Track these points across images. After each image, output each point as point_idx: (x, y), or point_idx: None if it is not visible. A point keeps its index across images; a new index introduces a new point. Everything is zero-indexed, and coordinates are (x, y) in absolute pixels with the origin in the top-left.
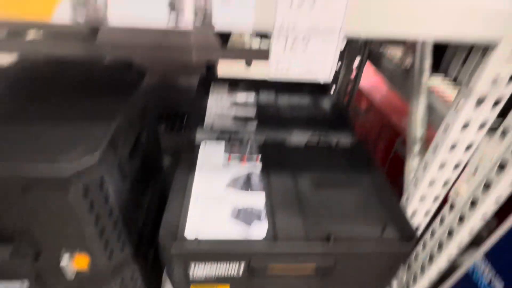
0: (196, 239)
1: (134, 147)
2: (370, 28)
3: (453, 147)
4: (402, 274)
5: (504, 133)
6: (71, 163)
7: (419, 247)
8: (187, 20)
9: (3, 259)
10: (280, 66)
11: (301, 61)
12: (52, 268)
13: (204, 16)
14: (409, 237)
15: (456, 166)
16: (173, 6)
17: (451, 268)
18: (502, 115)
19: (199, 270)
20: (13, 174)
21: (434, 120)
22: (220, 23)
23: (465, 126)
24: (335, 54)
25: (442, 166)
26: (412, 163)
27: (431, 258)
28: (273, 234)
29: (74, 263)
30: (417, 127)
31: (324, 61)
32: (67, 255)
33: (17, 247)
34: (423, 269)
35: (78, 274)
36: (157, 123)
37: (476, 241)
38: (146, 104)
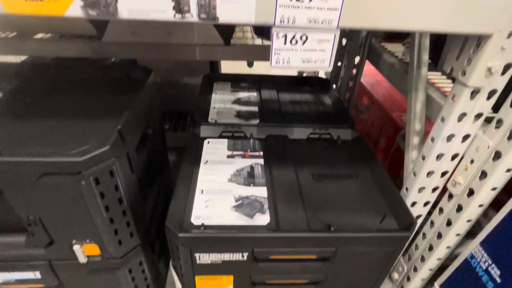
0: (202, 225)
1: (141, 142)
2: (366, 21)
3: (450, 138)
4: (403, 264)
5: (499, 123)
6: (84, 152)
7: (419, 238)
8: (192, 13)
9: (18, 247)
10: (281, 58)
11: (301, 53)
12: (64, 256)
13: (208, 9)
14: (409, 225)
15: (454, 157)
16: (178, 1)
17: (451, 258)
18: (497, 108)
19: (204, 257)
20: (29, 161)
21: (432, 113)
22: (224, 16)
23: (461, 117)
24: (333, 45)
25: (439, 157)
26: (411, 155)
27: (431, 248)
28: (275, 225)
29: (85, 250)
30: (416, 120)
31: (323, 52)
32: (79, 242)
33: (31, 236)
34: (423, 259)
35: (89, 261)
36: (162, 120)
37: (475, 231)
38: (152, 101)
